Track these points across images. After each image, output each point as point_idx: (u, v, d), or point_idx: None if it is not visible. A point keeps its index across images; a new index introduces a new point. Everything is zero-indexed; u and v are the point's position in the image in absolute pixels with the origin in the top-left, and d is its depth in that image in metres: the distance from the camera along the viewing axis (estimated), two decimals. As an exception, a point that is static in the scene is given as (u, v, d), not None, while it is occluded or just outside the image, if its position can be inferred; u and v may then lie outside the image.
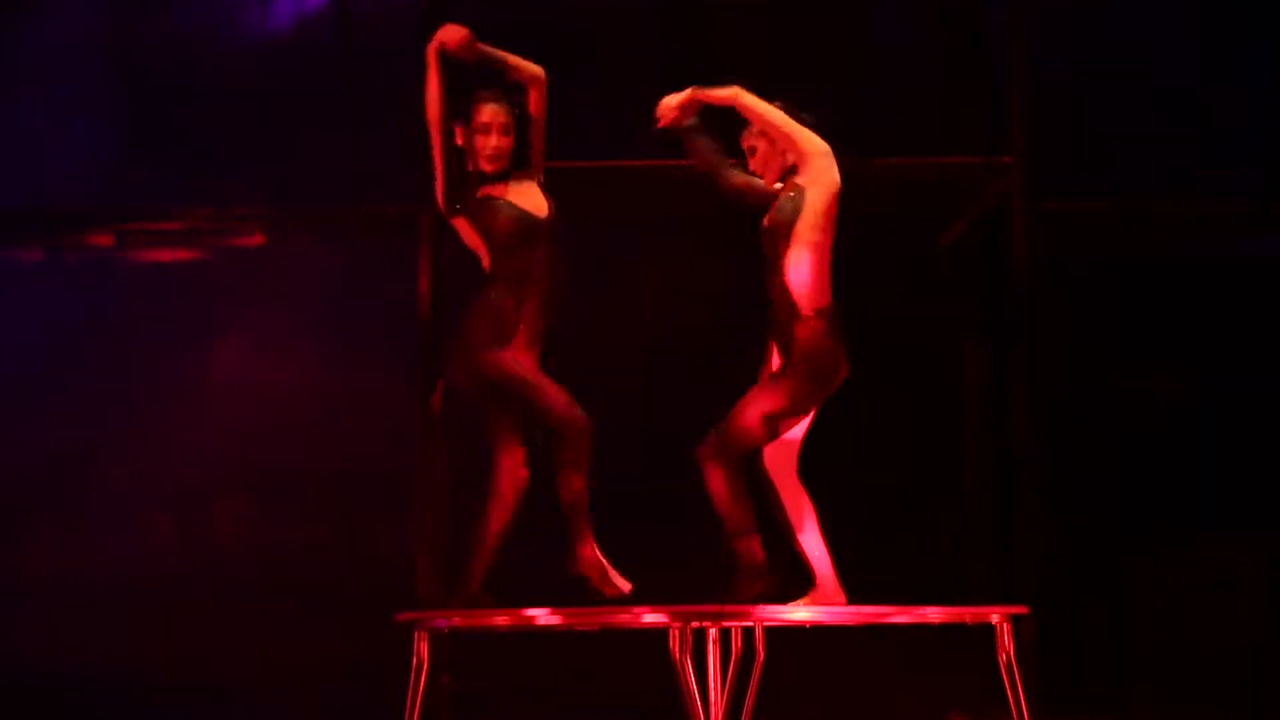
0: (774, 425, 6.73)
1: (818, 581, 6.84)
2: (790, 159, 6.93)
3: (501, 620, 6.65)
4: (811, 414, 6.88)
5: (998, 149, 9.55)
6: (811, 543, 6.89)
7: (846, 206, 6.93)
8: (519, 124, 7.04)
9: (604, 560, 6.76)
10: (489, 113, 6.98)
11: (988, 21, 10.11)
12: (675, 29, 10.25)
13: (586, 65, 10.02)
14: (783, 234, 6.80)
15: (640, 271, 10.12)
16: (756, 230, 6.99)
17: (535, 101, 7.06)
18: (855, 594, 6.95)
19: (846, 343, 6.83)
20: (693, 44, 10.25)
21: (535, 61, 7.21)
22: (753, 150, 7.04)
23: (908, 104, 9.99)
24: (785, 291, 6.77)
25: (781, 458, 6.90)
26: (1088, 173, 10.15)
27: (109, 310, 10.12)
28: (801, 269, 6.77)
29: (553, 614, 6.49)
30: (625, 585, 6.76)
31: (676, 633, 6.19)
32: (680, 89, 7.08)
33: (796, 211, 6.80)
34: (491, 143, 6.96)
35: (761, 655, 6.51)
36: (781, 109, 6.92)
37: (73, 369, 10.08)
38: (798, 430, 6.90)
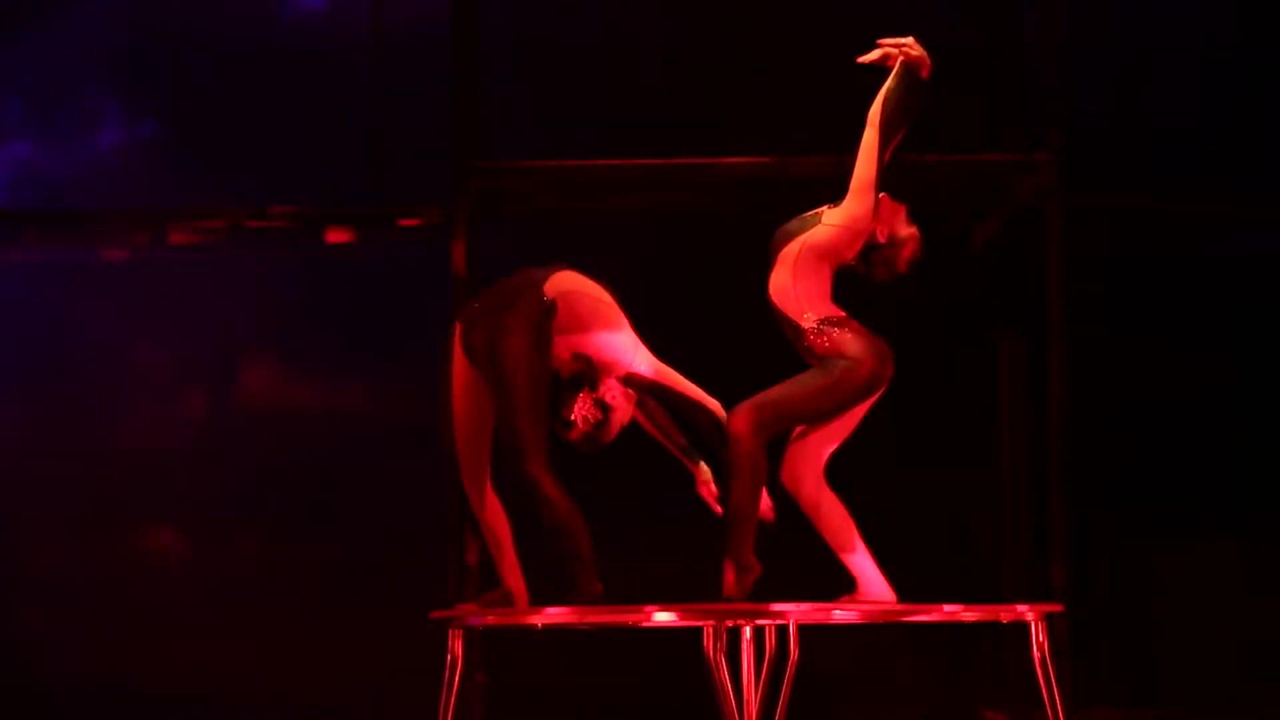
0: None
1: (860, 587, 6.79)
2: None
3: (535, 619, 6.64)
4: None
5: (1034, 146, 9.54)
6: (853, 550, 6.82)
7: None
8: None
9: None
10: None
11: (1022, 17, 10.10)
12: (703, 26, 10.25)
13: (610, 64, 10.04)
14: None
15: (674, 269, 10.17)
16: None
17: None
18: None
19: None
20: (722, 41, 10.26)
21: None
22: None
23: (943, 100, 9.97)
24: None
25: (810, 467, 6.84)
26: (1124, 169, 10.13)
27: (130, 309, 10.15)
28: None
29: (585, 612, 6.48)
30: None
31: (711, 631, 6.19)
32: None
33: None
34: None
35: (795, 654, 6.50)
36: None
37: (90, 368, 10.10)
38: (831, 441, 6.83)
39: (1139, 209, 10.09)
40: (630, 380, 6.77)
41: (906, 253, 6.72)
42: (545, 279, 6.73)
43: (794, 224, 6.71)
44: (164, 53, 10.20)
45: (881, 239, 6.68)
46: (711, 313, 9.97)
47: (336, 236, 10.11)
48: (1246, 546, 10.00)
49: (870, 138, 6.52)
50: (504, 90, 10.00)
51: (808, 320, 6.61)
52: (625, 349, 6.78)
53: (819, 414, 6.62)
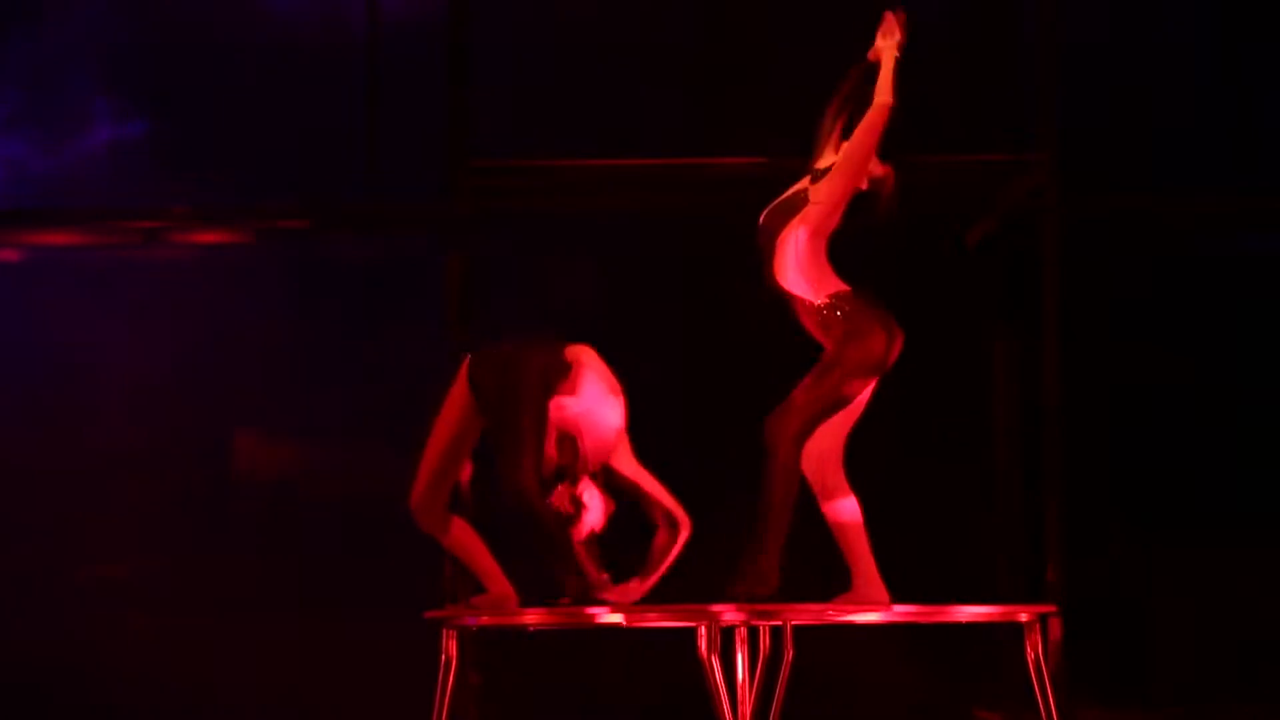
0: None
1: (856, 587, 6.80)
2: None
3: (529, 619, 6.64)
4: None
5: (1028, 145, 9.54)
6: (857, 548, 6.82)
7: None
8: None
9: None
10: None
11: (1018, 16, 10.10)
12: (698, 26, 10.25)
13: (607, 64, 10.04)
14: None
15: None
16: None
17: None
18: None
19: None
20: (715, 41, 10.26)
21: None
22: None
23: (937, 100, 9.98)
24: None
25: (833, 456, 6.85)
26: (1121, 169, 10.13)
27: (123, 309, 10.14)
28: None
29: (580, 612, 6.48)
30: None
31: (705, 631, 6.19)
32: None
33: None
34: None
35: (790, 654, 6.51)
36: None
37: (84, 368, 10.10)
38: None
39: (1135, 209, 10.09)
40: (609, 474, 6.78)
41: (887, 190, 6.81)
42: (567, 344, 6.80)
43: (780, 206, 6.77)
44: (159, 52, 10.19)
45: (864, 185, 6.77)
46: (707, 312, 9.97)
47: (331, 235, 10.11)
48: (1246, 546, 10.00)
49: (876, 120, 6.60)
50: (500, 89, 10.00)
51: (819, 298, 6.67)
52: (613, 440, 6.80)
53: (844, 401, 6.66)
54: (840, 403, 6.67)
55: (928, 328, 9.85)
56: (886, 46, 6.72)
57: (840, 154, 6.72)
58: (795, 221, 6.71)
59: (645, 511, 6.80)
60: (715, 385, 9.65)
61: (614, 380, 6.85)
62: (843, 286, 6.71)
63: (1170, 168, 10.15)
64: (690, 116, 10.09)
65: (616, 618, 6.39)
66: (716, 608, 6.19)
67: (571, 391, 6.73)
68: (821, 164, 6.83)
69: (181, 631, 9.93)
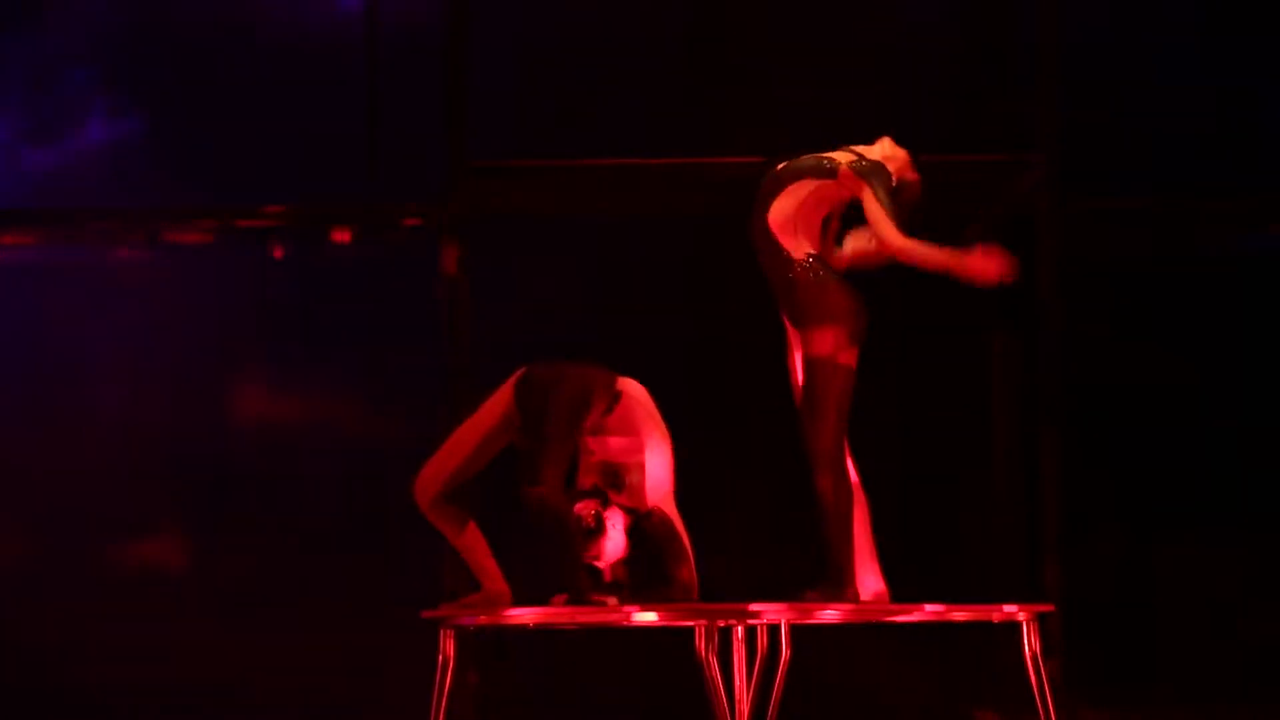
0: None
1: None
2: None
3: (527, 619, 6.65)
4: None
5: (1028, 145, 9.53)
6: (861, 540, 6.83)
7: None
8: None
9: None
10: None
11: (1018, 15, 10.10)
12: (700, 25, 10.25)
13: (606, 63, 10.05)
14: None
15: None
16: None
17: None
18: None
19: None
20: (717, 39, 10.27)
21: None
22: None
23: (936, 99, 9.98)
24: None
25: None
26: (1120, 169, 10.13)
27: (121, 309, 10.14)
28: None
29: (580, 613, 6.48)
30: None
31: (703, 631, 6.19)
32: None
33: None
34: None
35: (787, 653, 6.50)
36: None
37: (81, 369, 10.10)
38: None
39: (1135, 209, 10.09)
40: (652, 514, 6.75)
41: (912, 195, 6.85)
42: (620, 376, 6.80)
43: (807, 162, 6.78)
44: (159, 52, 10.20)
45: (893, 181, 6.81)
46: (708, 312, 9.97)
47: (329, 236, 10.11)
48: (1246, 546, 10.00)
49: (888, 248, 6.70)
50: (500, 89, 10.01)
51: (799, 253, 6.68)
52: (662, 478, 6.80)
53: (849, 375, 6.67)
54: (847, 379, 6.67)
55: (927, 327, 9.91)
56: (970, 268, 6.84)
57: (875, 205, 6.70)
58: (815, 181, 6.73)
59: (663, 564, 6.76)
60: (716, 385, 9.65)
61: (660, 419, 6.86)
62: (819, 254, 6.75)
63: (1170, 168, 10.15)
64: (690, 116, 10.09)
65: (625, 618, 6.40)
66: (717, 607, 6.19)
67: (619, 426, 6.75)
68: (867, 151, 6.82)
69: (180, 631, 9.93)
